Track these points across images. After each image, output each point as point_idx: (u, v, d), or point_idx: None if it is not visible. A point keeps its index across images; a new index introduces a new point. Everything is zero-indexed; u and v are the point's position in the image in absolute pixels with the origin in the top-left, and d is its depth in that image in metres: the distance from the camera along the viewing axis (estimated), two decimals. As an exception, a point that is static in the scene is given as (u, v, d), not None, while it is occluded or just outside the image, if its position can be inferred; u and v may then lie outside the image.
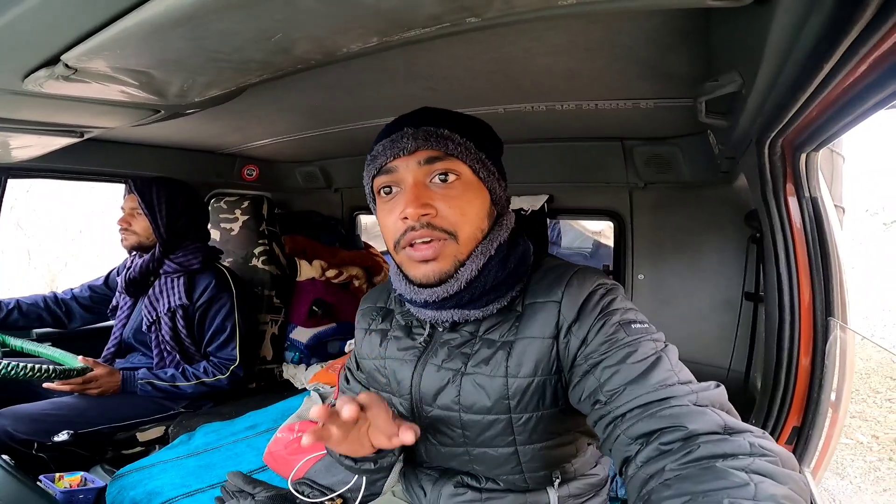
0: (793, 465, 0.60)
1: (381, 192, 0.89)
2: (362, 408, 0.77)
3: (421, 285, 0.87)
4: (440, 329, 0.94)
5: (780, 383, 1.06)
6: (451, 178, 0.85)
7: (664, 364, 0.74)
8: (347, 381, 1.16)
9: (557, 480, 0.93)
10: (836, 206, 1.39)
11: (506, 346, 0.87)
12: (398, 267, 0.92)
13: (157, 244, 1.95)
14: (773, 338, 1.11)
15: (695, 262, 1.94)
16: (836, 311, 1.03)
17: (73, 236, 9.55)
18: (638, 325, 0.79)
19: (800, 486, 0.56)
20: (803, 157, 1.02)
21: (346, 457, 0.92)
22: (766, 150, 1.01)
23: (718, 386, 0.72)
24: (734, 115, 0.96)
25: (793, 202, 1.05)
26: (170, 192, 1.98)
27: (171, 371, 1.92)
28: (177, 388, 1.90)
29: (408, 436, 0.78)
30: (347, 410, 0.73)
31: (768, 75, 0.68)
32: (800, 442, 1.01)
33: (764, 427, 0.91)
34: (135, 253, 2.02)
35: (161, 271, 1.97)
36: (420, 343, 0.95)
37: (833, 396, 1.01)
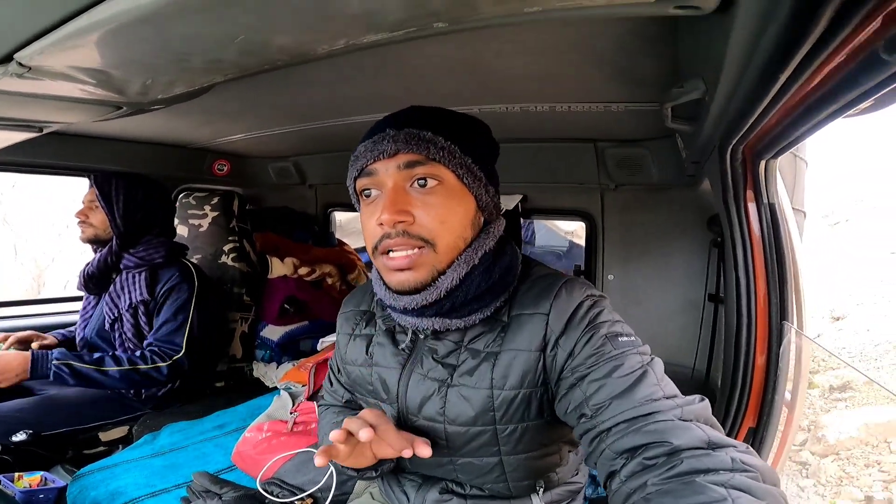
0: (774, 479, 0.61)
1: (363, 193, 0.87)
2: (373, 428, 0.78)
3: (399, 292, 0.85)
4: (422, 336, 0.92)
5: (737, 384, 1.09)
6: (432, 183, 0.81)
7: (650, 378, 0.73)
8: (331, 383, 1.14)
9: (541, 489, 0.93)
10: (797, 209, 1.44)
11: (490, 356, 0.85)
12: (377, 271, 0.90)
13: (114, 237, 1.89)
14: (731, 339, 1.14)
15: (662, 264, 1.98)
16: (790, 314, 1.06)
17: (59, 231, 9.27)
18: (624, 339, 0.79)
19: (778, 500, 0.57)
20: (763, 163, 1.05)
21: (348, 467, 0.90)
22: (728, 157, 1.03)
23: (703, 400, 0.72)
24: (699, 122, 0.98)
25: (752, 208, 1.08)
26: (128, 185, 1.91)
27: (100, 354, 1.76)
28: (103, 374, 1.71)
29: (424, 450, 0.79)
30: (364, 434, 0.75)
31: (729, 83, 0.70)
32: (755, 443, 1.04)
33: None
34: (96, 248, 1.96)
35: (122, 266, 1.90)
36: (404, 349, 0.93)
37: (788, 397, 1.04)
